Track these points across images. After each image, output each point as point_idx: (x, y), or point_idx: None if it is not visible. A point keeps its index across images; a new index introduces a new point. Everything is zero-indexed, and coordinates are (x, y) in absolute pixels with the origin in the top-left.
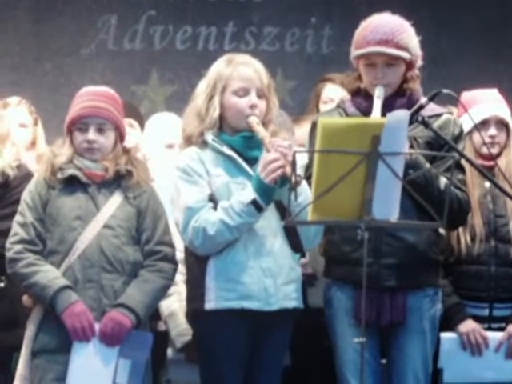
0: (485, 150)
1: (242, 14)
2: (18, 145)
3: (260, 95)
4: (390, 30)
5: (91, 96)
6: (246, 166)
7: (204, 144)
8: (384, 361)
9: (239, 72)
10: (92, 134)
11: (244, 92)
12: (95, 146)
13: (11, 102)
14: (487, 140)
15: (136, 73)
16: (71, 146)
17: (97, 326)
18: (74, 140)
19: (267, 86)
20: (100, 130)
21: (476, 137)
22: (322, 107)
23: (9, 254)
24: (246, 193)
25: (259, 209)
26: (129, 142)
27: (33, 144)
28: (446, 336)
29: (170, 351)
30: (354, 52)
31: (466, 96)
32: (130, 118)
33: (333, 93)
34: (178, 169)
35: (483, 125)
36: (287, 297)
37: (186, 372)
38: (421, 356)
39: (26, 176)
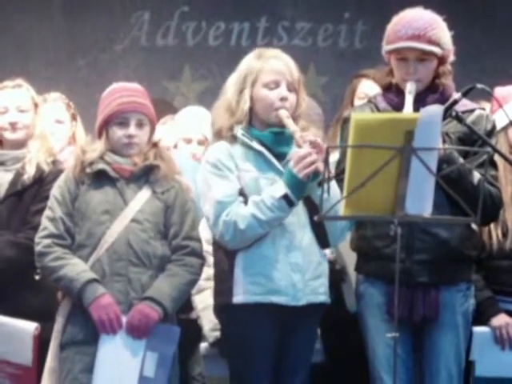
0: None
1: (274, 9)
2: (53, 141)
3: (290, 89)
4: (423, 25)
5: (129, 92)
6: (275, 161)
7: (233, 138)
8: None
9: (270, 65)
10: (133, 129)
11: (275, 85)
12: (135, 141)
13: (49, 98)
14: None
15: (169, 69)
16: (107, 141)
17: (124, 319)
18: (113, 135)
19: (297, 81)
20: (139, 125)
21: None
22: (357, 103)
23: (38, 248)
24: (277, 187)
25: (290, 203)
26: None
27: (73, 139)
28: (479, 330)
29: (203, 346)
30: (386, 47)
31: (501, 91)
32: (165, 114)
33: (368, 88)
34: (208, 163)
35: None
36: (315, 292)
37: (219, 367)
38: (454, 351)
39: (60, 172)
